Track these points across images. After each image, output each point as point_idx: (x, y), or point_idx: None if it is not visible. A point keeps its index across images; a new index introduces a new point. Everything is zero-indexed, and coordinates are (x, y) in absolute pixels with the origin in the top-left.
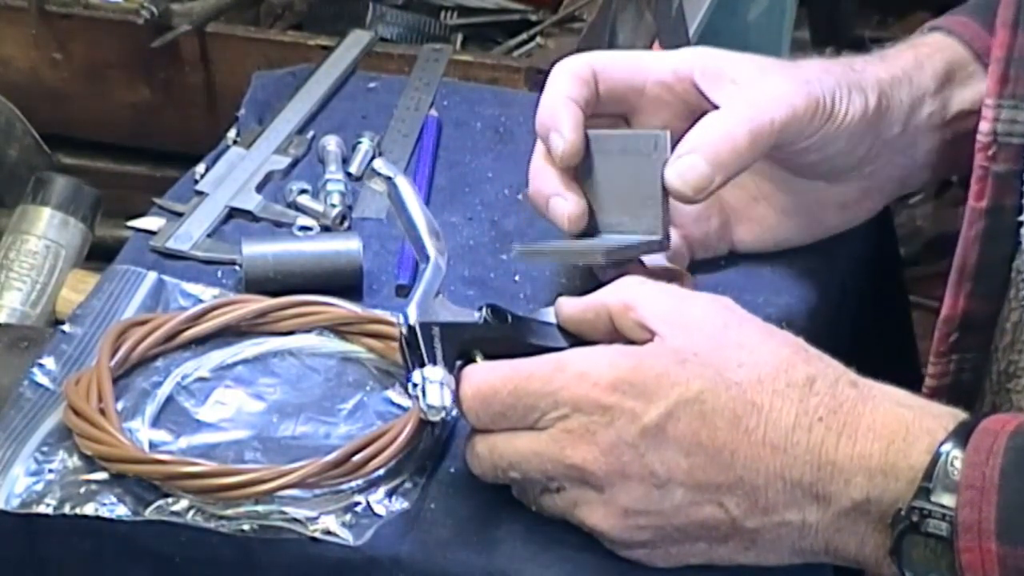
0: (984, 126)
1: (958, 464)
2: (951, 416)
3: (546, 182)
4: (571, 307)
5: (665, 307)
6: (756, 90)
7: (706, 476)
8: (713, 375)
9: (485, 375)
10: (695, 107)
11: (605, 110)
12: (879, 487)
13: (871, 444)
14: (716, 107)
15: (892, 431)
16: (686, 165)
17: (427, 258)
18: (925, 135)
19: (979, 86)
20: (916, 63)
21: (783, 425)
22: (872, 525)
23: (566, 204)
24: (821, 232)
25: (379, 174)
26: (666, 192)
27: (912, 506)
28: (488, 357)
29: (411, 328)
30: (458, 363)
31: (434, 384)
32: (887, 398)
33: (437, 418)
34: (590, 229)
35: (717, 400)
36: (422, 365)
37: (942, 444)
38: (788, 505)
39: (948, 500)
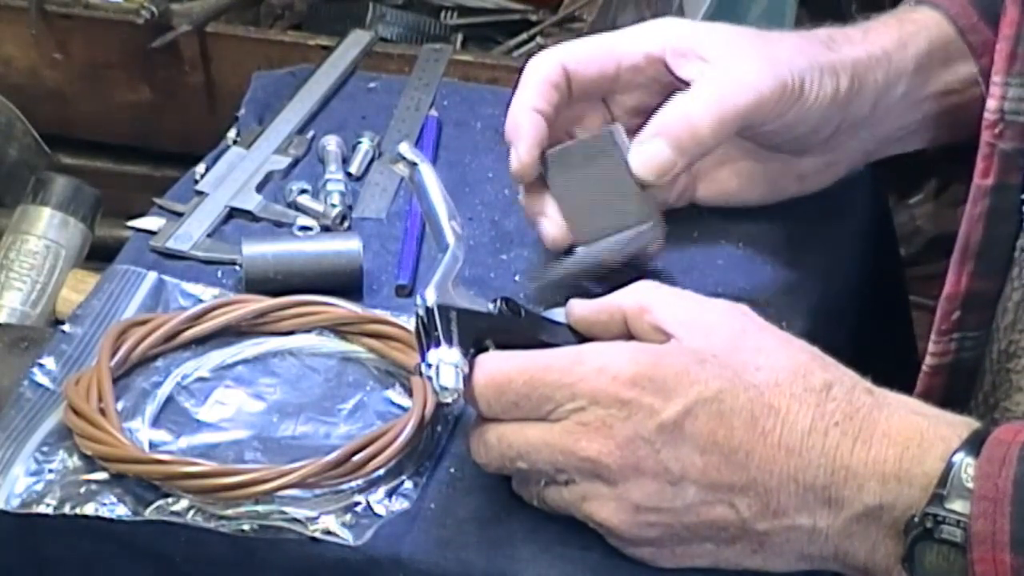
0: (991, 104)
1: (971, 471)
2: (965, 425)
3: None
4: (584, 308)
5: (682, 311)
6: (724, 73)
7: (720, 475)
8: (732, 376)
9: (500, 363)
10: (668, 85)
11: (581, 99)
12: (892, 493)
13: (886, 450)
14: (686, 85)
15: (907, 438)
16: (650, 151)
17: (446, 245)
18: (895, 114)
19: (959, 67)
20: (899, 42)
21: (799, 428)
22: (884, 532)
23: (550, 226)
24: (778, 197)
25: (404, 158)
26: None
27: (926, 512)
28: (500, 348)
29: (428, 310)
30: (471, 351)
31: (448, 366)
32: (902, 406)
33: (449, 400)
34: (579, 239)
35: (735, 400)
36: (437, 347)
37: (955, 453)
38: (799, 509)
39: (962, 507)
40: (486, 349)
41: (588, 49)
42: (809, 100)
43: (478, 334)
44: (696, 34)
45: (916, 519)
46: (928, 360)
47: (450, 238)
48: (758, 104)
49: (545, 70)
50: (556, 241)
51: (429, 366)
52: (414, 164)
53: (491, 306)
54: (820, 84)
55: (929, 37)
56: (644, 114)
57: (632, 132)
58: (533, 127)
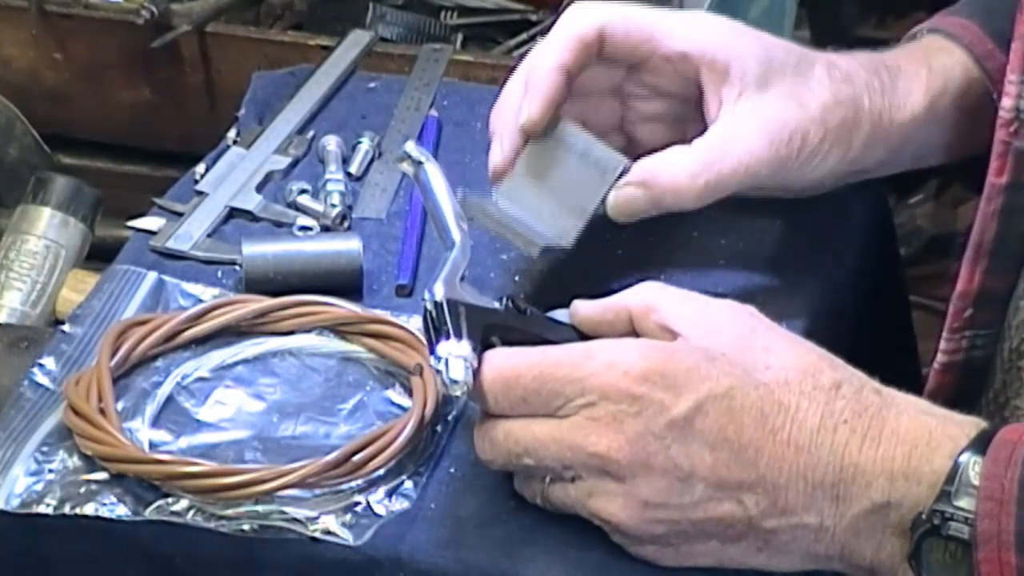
0: (1007, 102)
1: (978, 469)
2: (973, 424)
3: (504, 119)
4: (589, 308)
5: (689, 310)
6: (725, 139)
7: (729, 472)
8: (742, 374)
9: (508, 359)
10: (693, 82)
11: (606, 60)
12: (900, 491)
13: (894, 448)
14: (707, 107)
15: (915, 436)
16: (627, 197)
17: (452, 243)
18: (903, 160)
19: (981, 112)
20: (928, 104)
21: (809, 426)
22: (890, 530)
23: (498, 153)
24: (791, 196)
25: (410, 156)
26: (595, 212)
27: (934, 509)
28: (506, 346)
29: (437, 304)
30: (478, 347)
31: (458, 359)
32: (911, 405)
33: (458, 393)
34: (504, 195)
35: (746, 398)
36: (447, 340)
37: (963, 452)
38: (807, 507)
39: (969, 504)
40: (492, 346)
41: (629, 21)
42: (808, 170)
43: (485, 330)
44: (737, 57)
45: (924, 516)
46: (939, 357)
47: (456, 236)
48: (752, 180)
49: (581, 28)
50: (494, 169)
51: (439, 359)
52: (420, 163)
53: (496, 304)
54: (825, 156)
55: (957, 89)
56: (659, 96)
57: (641, 122)
58: (554, 85)
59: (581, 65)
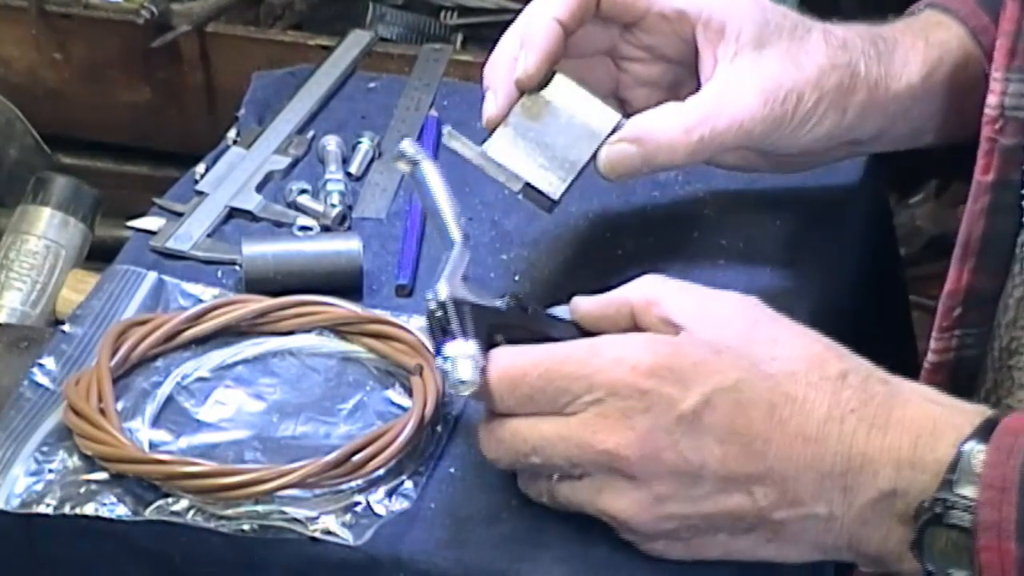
0: (992, 99)
1: (981, 457)
2: (978, 413)
3: (499, 72)
4: (590, 304)
5: (691, 303)
6: (720, 97)
7: (738, 465)
8: (749, 366)
9: (513, 358)
10: (688, 43)
11: (603, 19)
12: (906, 479)
13: (900, 437)
14: (702, 66)
15: (921, 425)
16: (619, 153)
17: (452, 242)
18: (896, 131)
19: (975, 92)
20: (925, 75)
21: (816, 416)
22: (896, 518)
23: (492, 104)
24: (788, 171)
25: (405, 155)
26: (586, 167)
27: (936, 497)
28: (509, 344)
29: (442, 304)
30: (483, 346)
31: (466, 359)
32: (916, 394)
33: (466, 393)
34: (493, 147)
35: (753, 390)
36: (453, 340)
37: (966, 441)
38: (816, 498)
39: (971, 492)
40: (496, 344)
41: None
42: (800, 135)
43: (489, 329)
44: (733, 14)
45: (926, 504)
46: (929, 357)
47: (455, 234)
48: (746, 138)
49: None
50: (488, 119)
51: (446, 359)
52: (416, 161)
53: (499, 302)
54: (820, 119)
55: (954, 63)
56: (654, 59)
57: (636, 86)
58: (551, 39)
59: (578, 21)
